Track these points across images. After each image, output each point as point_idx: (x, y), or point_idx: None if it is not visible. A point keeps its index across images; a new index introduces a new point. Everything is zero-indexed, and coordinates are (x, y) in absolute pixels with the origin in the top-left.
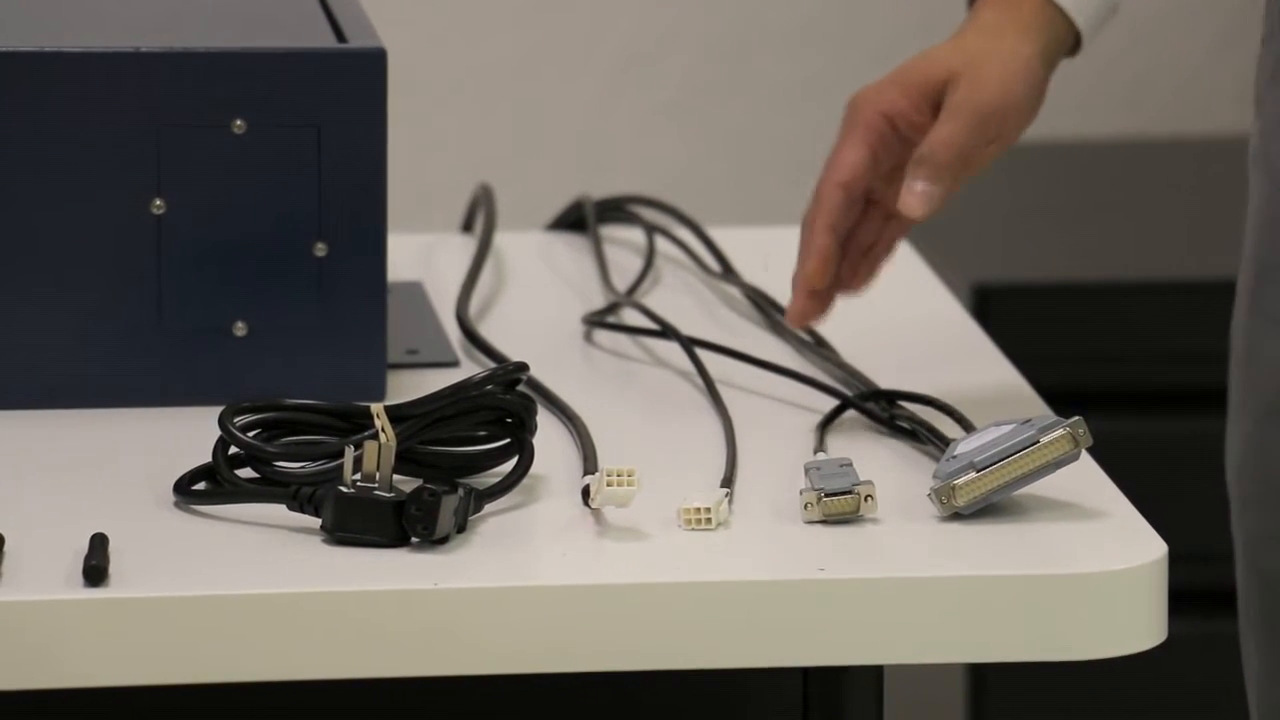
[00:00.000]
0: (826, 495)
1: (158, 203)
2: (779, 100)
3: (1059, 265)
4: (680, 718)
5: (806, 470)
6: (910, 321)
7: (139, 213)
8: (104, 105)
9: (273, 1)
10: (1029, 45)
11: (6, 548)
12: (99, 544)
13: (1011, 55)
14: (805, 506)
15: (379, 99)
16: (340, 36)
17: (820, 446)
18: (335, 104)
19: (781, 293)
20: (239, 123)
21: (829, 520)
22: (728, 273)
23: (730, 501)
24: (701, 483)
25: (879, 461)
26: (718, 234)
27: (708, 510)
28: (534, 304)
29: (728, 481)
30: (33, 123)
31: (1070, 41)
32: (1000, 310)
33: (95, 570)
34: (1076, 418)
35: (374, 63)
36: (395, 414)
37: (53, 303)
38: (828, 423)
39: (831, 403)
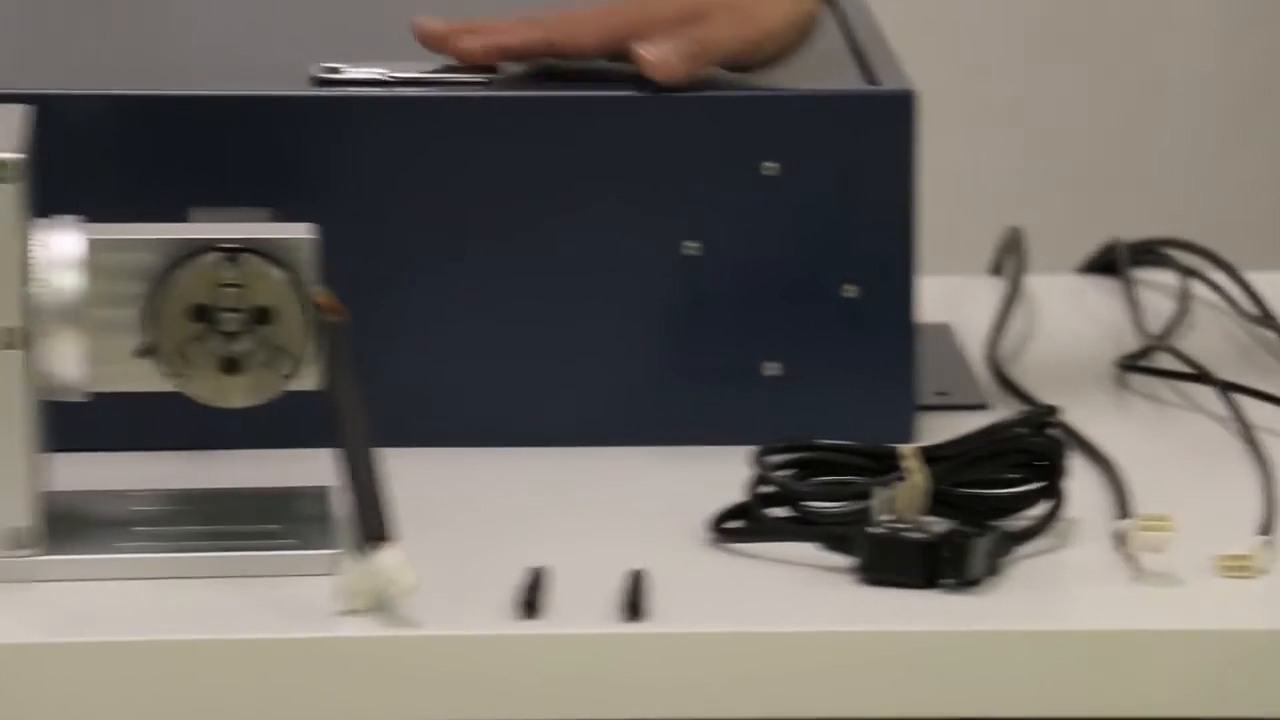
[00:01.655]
0: None
1: (689, 244)
2: None
3: None
4: None
5: None
6: None
7: (671, 254)
8: (637, 147)
9: None
10: None
11: (552, 581)
12: (637, 580)
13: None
14: None
15: (909, 141)
16: (870, 78)
17: None
18: (865, 146)
19: None
20: (770, 165)
21: None
22: (1266, 317)
23: (1270, 549)
24: (1239, 530)
25: None
26: (1256, 278)
27: (1247, 558)
28: (1065, 347)
29: (1267, 529)
30: (567, 166)
31: None
32: None
33: (634, 605)
34: None
35: (904, 105)
36: (927, 455)
37: (588, 342)
38: None
39: None
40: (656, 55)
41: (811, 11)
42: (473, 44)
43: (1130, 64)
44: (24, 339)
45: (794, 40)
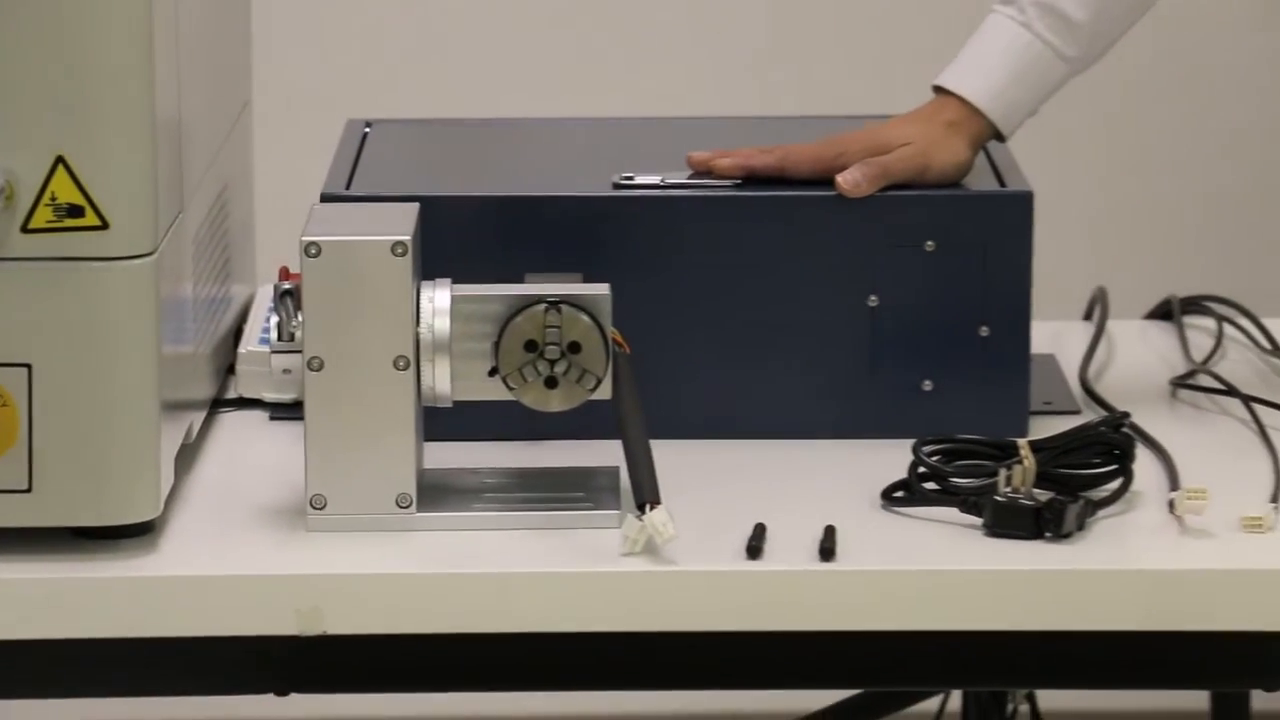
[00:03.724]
0: None
1: (872, 299)
2: None
3: None
4: (1232, 666)
5: None
6: None
7: (859, 305)
8: (838, 230)
9: None
10: (969, 150)
11: (769, 532)
12: (829, 532)
13: (956, 154)
14: None
15: (1027, 226)
16: (1000, 181)
17: None
18: (996, 230)
19: None
20: (929, 243)
21: None
22: (1277, 350)
23: (1277, 512)
24: (1256, 499)
25: None
26: (1270, 322)
27: (1261, 519)
28: (1134, 371)
29: (1275, 498)
30: (789, 242)
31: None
32: None
33: (827, 550)
34: None
35: (1023, 201)
36: (1035, 446)
37: (798, 366)
38: None
39: None
40: (848, 181)
41: (970, 161)
42: (726, 163)
43: (1173, 125)
44: (411, 363)
45: (953, 177)
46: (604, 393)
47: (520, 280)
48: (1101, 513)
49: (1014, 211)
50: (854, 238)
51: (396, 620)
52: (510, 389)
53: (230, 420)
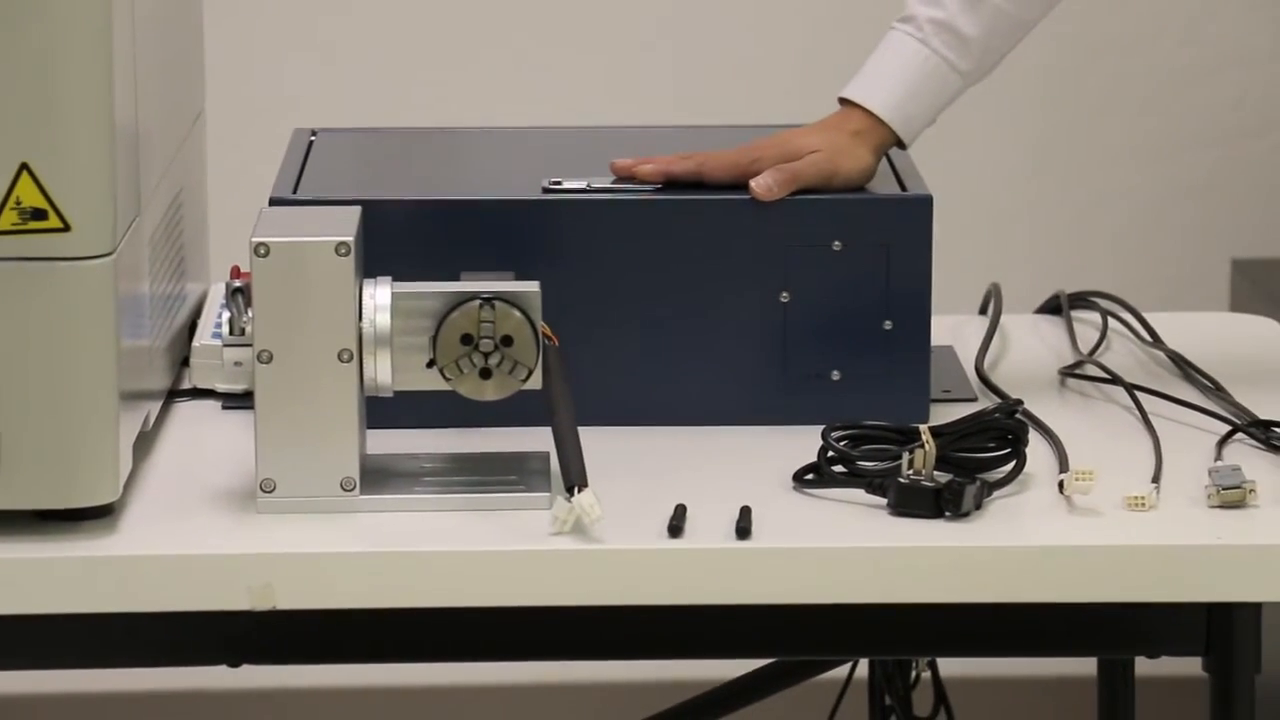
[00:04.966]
0: (1223, 489)
1: (783, 295)
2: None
3: None
4: (1118, 635)
5: (1209, 472)
6: None
7: (772, 302)
8: (753, 231)
9: None
10: (873, 157)
11: (689, 513)
12: (745, 513)
13: (861, 161)
14: (1208, 496)
15: (926, 227)
16: (901, 186)
17: (1218, 456)
18: (898, 231)
19: (1195, 357)
20: (837, 243)
21: (1225, 506)
22: (1157, 342)
23: (1158, 492)
24: (1139, 479)
25: (1259, 468)
26: (1151, 316)
27: (1143, 498)
28: (1026, 361)
29: (1156, 478)
30: (708, 242)
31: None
32: None
33: (743, 530)
34: None
35: (923, 205)
36: (935, 431)
37: (716, 357)
38: (1224, 441)
39: (1226, 428)
40: (761, 185)
41: (874, 167)
42: (647, 169)
43: (1075, 135)
44: (355, 356)
45: (858, 182)
46: (535, 383)
47: (456, 278)
48: (997, 493)
49: (915, 214)
50: (767, 238)
51: (342, 596)
52: (447, 379)
53: (185, 410)
